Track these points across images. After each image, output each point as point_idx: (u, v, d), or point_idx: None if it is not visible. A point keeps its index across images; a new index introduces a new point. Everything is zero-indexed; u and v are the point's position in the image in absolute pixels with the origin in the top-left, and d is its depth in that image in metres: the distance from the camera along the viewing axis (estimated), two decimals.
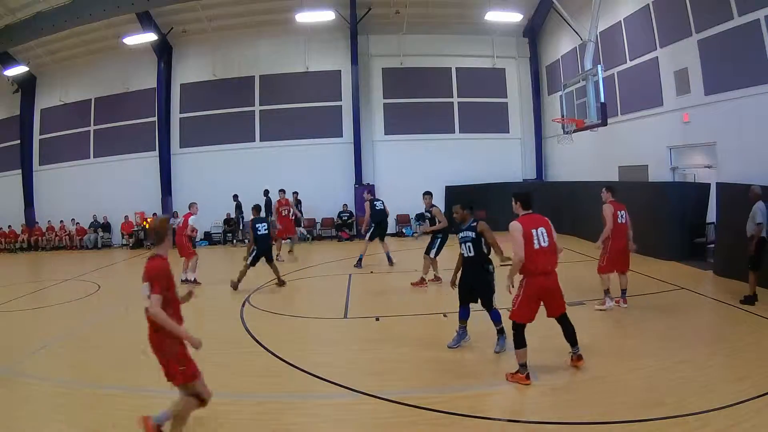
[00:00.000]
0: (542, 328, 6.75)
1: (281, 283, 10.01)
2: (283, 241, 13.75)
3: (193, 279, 10.61)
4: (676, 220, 10.89)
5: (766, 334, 5.98)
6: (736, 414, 4.00)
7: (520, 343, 4.83)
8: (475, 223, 5.79)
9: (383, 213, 11.72)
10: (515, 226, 4.90)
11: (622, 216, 7.54)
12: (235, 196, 17.69)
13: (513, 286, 4.95)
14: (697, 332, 6.29)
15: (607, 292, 7.38)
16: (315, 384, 5.12)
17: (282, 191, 14.02)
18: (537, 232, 4.84)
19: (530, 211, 5.05)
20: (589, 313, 7.20)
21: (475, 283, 5.80)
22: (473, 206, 6.01)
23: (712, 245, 10.00)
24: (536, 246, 4.79)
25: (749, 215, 7.28)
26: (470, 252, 5.77)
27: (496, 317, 5.79)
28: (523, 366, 4.82)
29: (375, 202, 11.77)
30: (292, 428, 4.26)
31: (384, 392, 4.76)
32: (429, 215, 9.52)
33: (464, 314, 5.95)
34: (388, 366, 5.56)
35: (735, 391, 4.35)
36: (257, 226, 9.87)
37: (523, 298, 4.85)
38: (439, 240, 9.25)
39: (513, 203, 5.14)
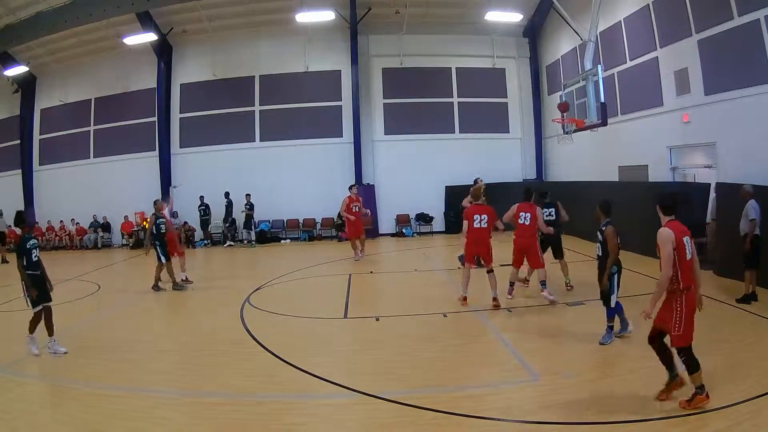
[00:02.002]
0: (542, 328, 6.76)
1: (176, 286, 10.07)
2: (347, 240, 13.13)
3: (185, 278, 10.64)
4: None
5: (766, 334, 6.00)
6: (736, 414, 4.00)
7: (696, 365, 4.15)
8: (604, 227, 5.86)
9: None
10: (666, 233, 4.19)
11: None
12: (227, 194, 17.83)
13: (650, 317, 4.29)
14: (696, 332, 6.26)
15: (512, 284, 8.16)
16: (315, 384, 5.12)
17: (354, 186, 13.40)
18: (687, 241, 4.24)
19: (673, 218, 4.37)
20: (589, 313, 7.20)
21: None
22: (607, 206, 6.00)
23: None
24: (689, 256, 4.22)
25: (742, 214, 7.38)
26: (599, 252, 5.93)
27: (610, 313, 5.89)
28: (700, 387, 4.16)
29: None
30: (292, 428, 4.26)
31: (384, 392, 4.76)
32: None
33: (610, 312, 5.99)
34: (388, 366, 5.56)
35: (735, 391, 4.35)
36: (158, 222, 10.03)
37: (688, 317, 4.17)
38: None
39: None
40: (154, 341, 7.06)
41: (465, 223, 7.66)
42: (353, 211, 12.68)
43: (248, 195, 17.61)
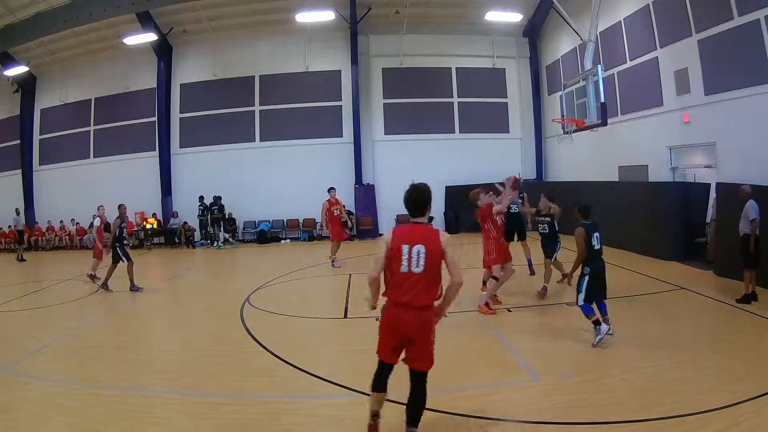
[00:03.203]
0: (542, 328, 6.76)
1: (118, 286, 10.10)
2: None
3: (93, 274, 11.01)
4: (676, 220, 10.91)
5: (766, 334, 5.99)
6: (736, 414, 4.00)
7: (374, 383, 3.80)
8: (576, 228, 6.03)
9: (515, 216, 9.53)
10: (385, 236, 3.67)
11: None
12: (201, 197, 18.01)
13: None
14: (697, 332, 6.30)
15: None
16: (315, 384, 5.11)
17: (332, 189, 12.64)
18: (411, 249, 3.52)
19: (417, 219, 3.66)
20: None
21: None
22: (584, 210, 6.14)
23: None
24: (404, 269, 3.55)
25: (741, 214, 7.39)
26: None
27: (585, 311, 5.91)
28: (373, 415, 3.81)
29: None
30: (292, 428, 4.25)
31: None
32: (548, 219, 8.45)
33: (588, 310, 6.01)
34: None
35: (735, 391, 4.35)
36: (122, 226, 10.46)
37: (380, 330, 3.77)
38: (559, 243, 8.49)
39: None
40: (154, 341, 7.06)
41: None
42: (334, 214, 12.29)
43: (218, 198, 17.83)
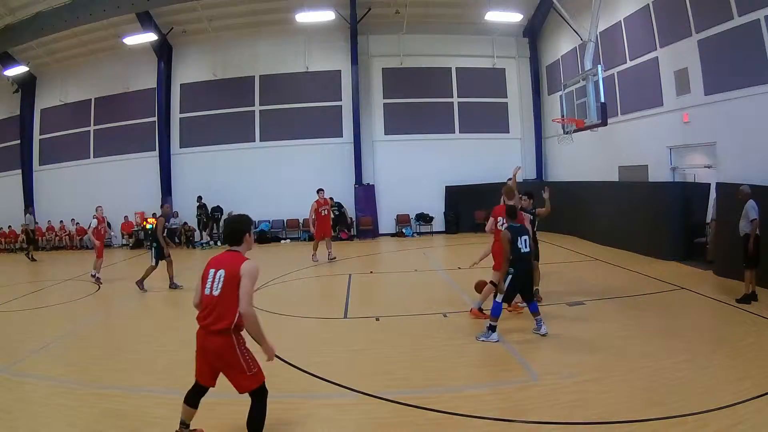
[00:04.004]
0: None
1: (172, 285, 10.22)
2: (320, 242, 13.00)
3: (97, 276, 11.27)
4: (676, 220, 10.92)
5: (766, 334, 5.99)
6: (736, 414, 4.00)
7: (186, 395, 3.90)
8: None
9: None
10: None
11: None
12: (199, 198, 18.12)
13: None
14: (697, 332, 6.30)
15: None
16: (315, 384, 5.11)
17: (321, 190, 13.06)
18: (216, 273, 3.64)
19: (233, 248, 3.77)
20: (590, 312, 7.20)
21: None
22: (512, 213, 6.48)
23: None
24: (207, 291, 3.67)
25: (741, 215, 7.39)
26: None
27: (493, 310, 6.20)
28: (181, 423, 3.92)
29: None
30: (292, 428, 4.25)
31: (384, 392, 4.76)
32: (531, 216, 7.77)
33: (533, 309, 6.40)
34: (388, 366, 5.56)
35: (735, 391, 4.35)
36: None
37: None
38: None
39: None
40: (154, 341, 7.05)
41: None
42: (322, 214, 12.81)
43: (203, 204, 18.04)
